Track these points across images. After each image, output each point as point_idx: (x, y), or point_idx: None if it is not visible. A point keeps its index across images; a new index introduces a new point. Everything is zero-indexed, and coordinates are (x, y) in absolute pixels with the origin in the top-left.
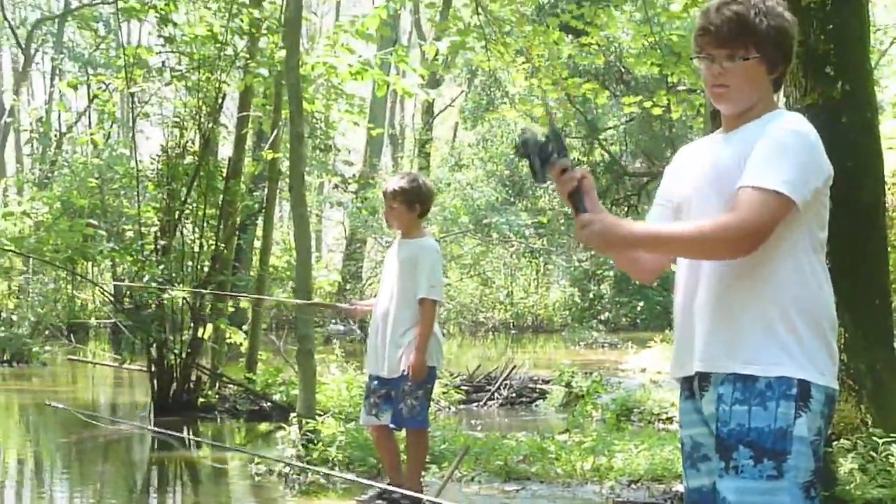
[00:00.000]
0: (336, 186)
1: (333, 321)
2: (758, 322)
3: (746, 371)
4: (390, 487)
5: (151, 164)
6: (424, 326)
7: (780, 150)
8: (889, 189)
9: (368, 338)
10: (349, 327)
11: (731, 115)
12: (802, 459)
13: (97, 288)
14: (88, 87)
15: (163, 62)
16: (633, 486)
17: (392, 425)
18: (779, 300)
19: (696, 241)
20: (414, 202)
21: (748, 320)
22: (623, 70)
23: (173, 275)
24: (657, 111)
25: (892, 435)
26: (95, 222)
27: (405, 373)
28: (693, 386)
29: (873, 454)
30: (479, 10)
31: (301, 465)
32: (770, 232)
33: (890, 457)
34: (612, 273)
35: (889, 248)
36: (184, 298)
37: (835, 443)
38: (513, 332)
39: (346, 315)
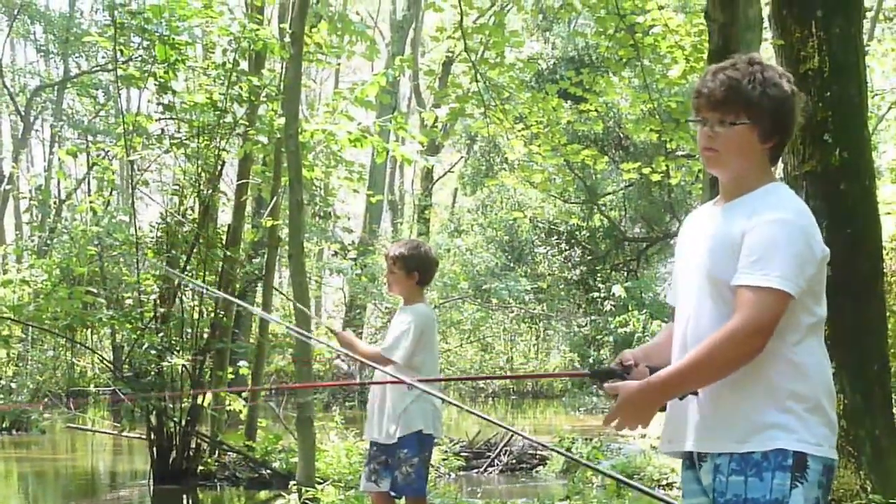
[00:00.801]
0: (335, 253)
1: (341, 358)
2: (751, 405)
3: (742, 450)
4: None
5: (151, 231)
6: (375, 357)
7: (770, 244)
8: (887, 254)
9: (368, 403)
10: (351, 370)
11: (725, 181)
12: None
13: (96, 355)
14: (88, 154)
15: (162, 129)
16: None
17: (392, 493)
18: (772, 384)
19: (715, 359)
20: (413, 269)
21: (741, 404)
22: (622, 136)
23: (173, 342)
24: (656, 177)
25: (891, 501)
26: (94, 290)
27: (400, 440)
28: (693, 456)
29: None
30: (478, 76)
31: None
32: (774, 327)
33: None
34: (611, 338)
35: (888, 314)
36: (183, 366)
37: None
38: (513, 397)
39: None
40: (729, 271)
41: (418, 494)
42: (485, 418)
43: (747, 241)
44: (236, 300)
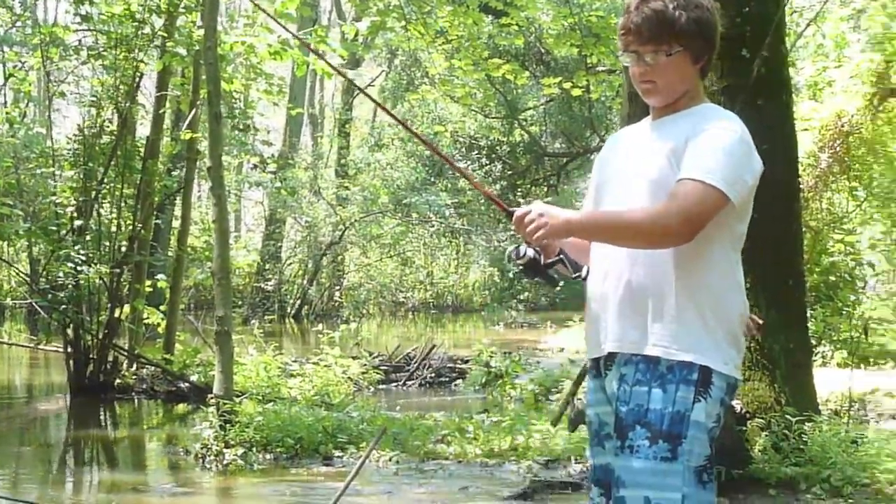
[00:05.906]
0: (255, 167)
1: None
2: (668, 308)
3: (652, 353)
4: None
5: (68, 143)
6: None
7: (716, 147)
8: (804, 170)
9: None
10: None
11: (661, 106)
12: (697, 444)
13: (13, 268)
14: (3, 65)
15: (79, 41)
16: (550, 465)
17: None
18: (691, 290)
19: (632, 225)
20: None
21: (659, 306)
22: (543, 51)
23: (90, 255)
24: (577, 92)
25: (805, 413)
26: (11, 202)
27: None
28: (599, 364)
29: (787, 433)
30: None
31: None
32: (705, 224)
33: (803, 435)
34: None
35: (804, 230)
36: (101, 279)
37: (749, 422)
38: (433, 312)
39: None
40: (670, 177)
41: None
42: None
43: (692, 144)
44: None
